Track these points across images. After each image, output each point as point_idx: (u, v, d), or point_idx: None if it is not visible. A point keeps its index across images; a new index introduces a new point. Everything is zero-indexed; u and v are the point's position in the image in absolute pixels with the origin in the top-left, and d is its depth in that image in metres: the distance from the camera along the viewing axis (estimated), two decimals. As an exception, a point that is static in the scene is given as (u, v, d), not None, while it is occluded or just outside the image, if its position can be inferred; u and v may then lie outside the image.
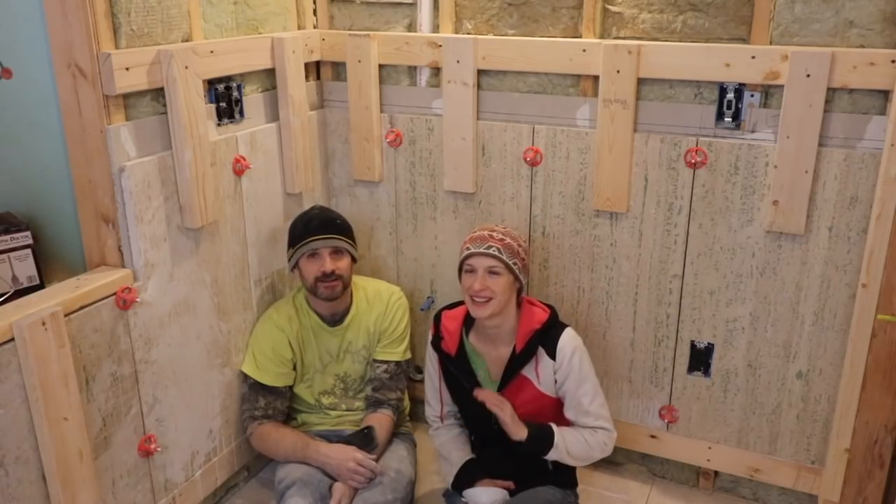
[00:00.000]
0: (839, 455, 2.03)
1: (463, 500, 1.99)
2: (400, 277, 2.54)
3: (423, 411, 2.68)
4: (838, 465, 2.04)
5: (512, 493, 1.99)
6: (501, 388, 2.00)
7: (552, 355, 1.96)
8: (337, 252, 2.12)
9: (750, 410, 2.17)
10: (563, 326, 2.00)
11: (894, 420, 1.96)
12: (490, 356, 2.03)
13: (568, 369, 1.95)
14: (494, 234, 1.97)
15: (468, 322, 2.05)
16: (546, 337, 1.97)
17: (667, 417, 2.27)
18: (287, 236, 2.20)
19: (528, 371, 1.98)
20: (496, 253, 1.92)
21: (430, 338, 2.13)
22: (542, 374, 1.98)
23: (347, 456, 2.05)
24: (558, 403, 2.02)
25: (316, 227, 2.12)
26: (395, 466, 2.14)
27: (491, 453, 2.08)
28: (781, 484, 2.19)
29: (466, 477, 2.02)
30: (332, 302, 2.17)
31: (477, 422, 2.10)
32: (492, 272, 1.91)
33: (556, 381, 1.98)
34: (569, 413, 2.01)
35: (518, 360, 1.97)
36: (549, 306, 2.04)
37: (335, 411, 2.29)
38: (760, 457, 2.19)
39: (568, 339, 1.96)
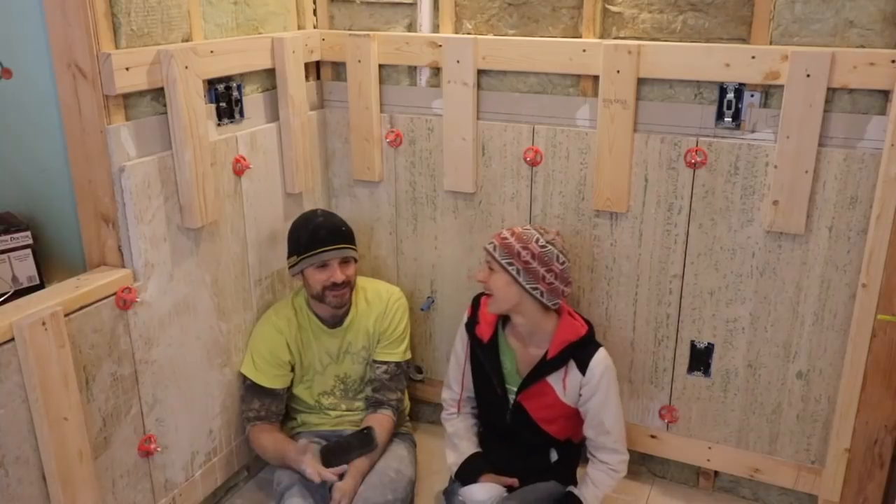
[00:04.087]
0: (839, 455, 2.03)
1: (460, 499, 1.99)
2: (400, 277, 2.55)
3: (423, 411, 2.69)
4: (838, 465, 2.04)
5: (515, 488, 2.00)
6: (523, 388, 2.01)
7: (582, 370, 1.96)
8: (345, 261, 2.13)
9: (750, 410, 2.17)
10: (598, 345, 2.00)
11: (894, 420, 1.96)
12: (521, 353, 2.04)
13: (595, 388, 1.96)
14: (505, 232, 1.98)
15: (506, 316, 2.06)
16: (579, 351, 1.97)
17: (667, 417, 2.27)
18: (288, 241, 2.18)
19: (554, 379, 1.99)
20: (490, 249, 1.96)
21: (464, 319, 2.14)
22: (568, 385, 1.99)
23: (301, 455, 2.04)
24: (576, 414, 2.04)
25: (325, 236, 2.10)
26: (395, 466, 2.14)
27: (496, 448, 2.09)
28: (781, 484, 2.19)
29: (471, 469, 2.03)
30: (325, 304, 2.18)
31: (492, 411, 2.10)
32: (489, 267, 1.97)
33: (580, 395, 1.99)
34: (588, 432, 2.03)
35: (547, 366, 1.97)
36: (588, 323, 2.03)
37: (335, 412, 2.29)
38: (760, 457, 2.19)
39: (601, 359, 1.97)
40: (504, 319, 2.08)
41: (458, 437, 2.13)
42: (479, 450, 2.09)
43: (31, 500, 1.62)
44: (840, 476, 2.04)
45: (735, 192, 2.02)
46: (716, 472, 2.32)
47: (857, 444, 2.00)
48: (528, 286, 1.91)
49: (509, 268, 1.92)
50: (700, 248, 2.10)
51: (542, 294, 1.92)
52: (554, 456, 2.08)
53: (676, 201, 2.10)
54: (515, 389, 2.03)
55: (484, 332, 2.06)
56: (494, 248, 1.95)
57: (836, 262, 1.96)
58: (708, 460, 2.26)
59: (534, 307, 1.96)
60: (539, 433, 2.04)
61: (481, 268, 2.01)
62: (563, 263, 1.95)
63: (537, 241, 1.93)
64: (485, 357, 2.05)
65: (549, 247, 1.93)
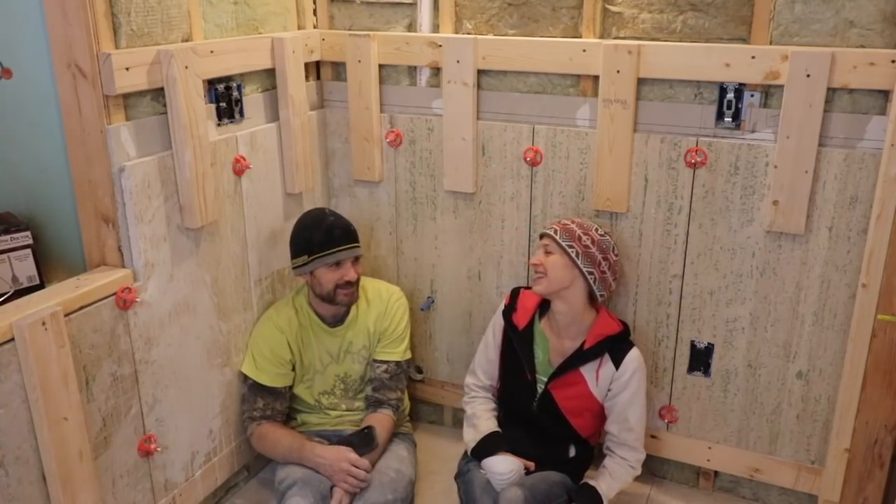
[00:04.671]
0: (839, 455, 2.03)
1: (481, 471, 2.00)
2: (400, 277, 2.55)
3: (423, 411, 2.70)
4: (838, 465, 2.04)
5: (531, 472, 2.02)
6: (556, 376, 2.04)
7: (616, 364, 2.02)
8: (356, 260, 2.16)
9: (750, 410, 2.17)
10: (632, 344, 2.06)
11: (894, 420, 1.96)
12: (554, 344, 2.08)
13: (625, 384, 2.02)
14: (564, 220, 2.08)
15: (544, 307, 2.12)
16: (615, 346, 2.04)
17: (667, 417, 2.27)
18: (296, 240, 2.17)
19: (587, 370, 2.04)
20: (551, 233, 2.02)
21: (501, 307, 2.18)
22: (601, 377, 2.03)
23: (340, 457, 2.05)
24: (601, 411, 2.08)
25: (340, 236, 2.12)
26: (395, 466, 2.14)
27: (517, 434, 2.10)
28: (781, 484, 2.19)
29: (489, 447, 2.05)
30: (334, 304, 2.18)
31: (519, 399, 2.12)
32: (546, 251, 2.02)
33: (609, 390, 2.04)
34: (612, 427, 2.07)
35: (583, 355, 2.03)
36: (623, 323, 2.09)
37: (335, 411, 2.29)
38: (760, 457, 2.19)
39: (635, 357, 2.03)
40: (541, 311, 2.12)
41: (478, 417, 2.15)
42: (498, 429, 2.11)
43: (31, 499, 1.62)
44: (840, 476, 2.04)
45: (735, 192, 2.02)
46: (716, 472, 2.32)
47: (857, 444, 2.00)
48: (584, 269, 1.98)
49: (569, 250, 1.98)
50: (700, 248, 2.10)
51: (594, 280, 1.99)
52: (572, 452, 2.12)
53: (676, 201, 2.10)
54: (545, 379, 2.07)
55: (520, 319, 2.11)
56: (556, 232, 2.02)
57: (836, 262, 1.96)
58: (708, 460, 2.26)
59: (580, 295, 2.02)
60: (563, 425, 2.07)
61: (536, 253, 2.05)
62: (616, 256, 2.06)
63: (596, 230, 2.05)
64: (518, 343, 2.10)
65: (607, 237, 2.05)
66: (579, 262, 1.98)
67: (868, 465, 2.01)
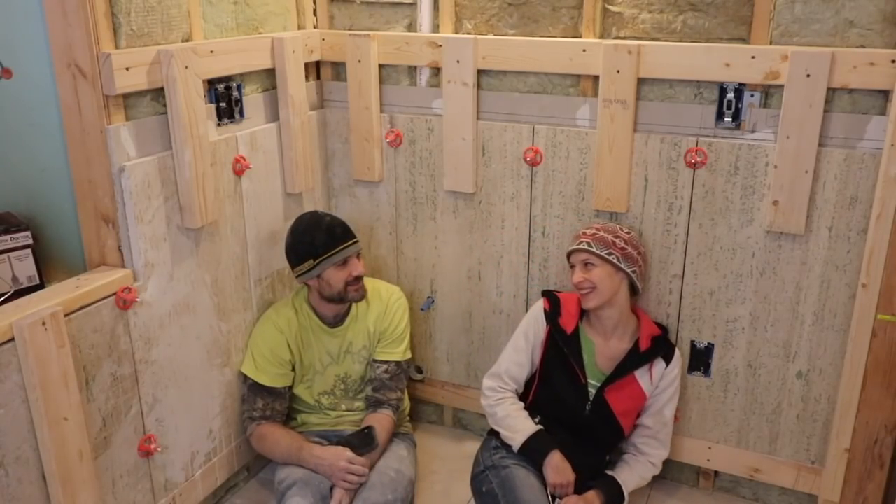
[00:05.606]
0: (839, 455, 2.03)
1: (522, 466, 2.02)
2: (400, 277, 2.55)
3: (423, 411, 2.69)
4: (838, 465, 2.04)
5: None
6: (612, 381, 2.06)
7: (667, 361, 2.09)
8: (359, 255, 2.17)
9: (750, 410, 2.17)
10: (674, 345, 2.14)
11: (894, 420, 1.96)
12: (600, 346, 2.10)
13: (672, 381, 2.11)
14: (586, 230, 2.08)
15: (583, 310, 2.12)
16: (665, 345, 2.11)
17: (667, 417, 2.27)
18: (296, 247, 2.14)
19: (641, 372, 2.07)
20: (586, 247, 2.02)
21: (539, 311, 2.15)
22: (654, 374, 2.08)
23: (338, 456, 2.05)
24: (643, 406, 2.13)
25: (341, 234, 2.13)
26: (395, 466, 2.14)
27: (563, 439, 2.06)
28: (781, 484, 2.19)
29: (540, 446, 2.04)
30: (344, 303, 2.20)
31: (569, 403, 2.09)
32: (587, 264, 2.02)
33: (656, 386, 2.10)
34: (648, 420, 2.12)
35: (640, 358, 2.06)
36: (661, 325, 2.16)
37: (335, 411, 2.29)
38: (760, 457, 2.19)
39: (679, 355, 2.13)
40: (582, 313, 2.13)
41: (513, 417, 2.09)
42: (541, 427, 2.07)
43: (31, 500, 1.62)
44: (840, 476, 2.04)
45: (735, 192, 2.02)
46: (716, 472, 2.32)
47: (857, 444, 2.00)
48: (628, 270, 2.02)
49: (609, 258, 2.00)
50: (700, 248, 2.11)
51: (637, 277, 2.04)
52: (606, 458, 2.15)
53: (676, 201, 2.10)
54: (595, 383, 2.08)
55: (567, 323, 2.11)
56: (590, 245, 2.02)
57: (836, 262, 1.96)
58: (708, 460, 2.26)
59: (625, 296, 2.06)
60: (614, 426, 2.08)
61: (576, 271, 2.03)
62: (643, 247, 2.11)
63: (622, 228, 2.07)
64: (568, 348, 2.09)
65: (633, 232, 2.09)
66: (623, 266, 2.01)
67: (868, 465, 2.01)
